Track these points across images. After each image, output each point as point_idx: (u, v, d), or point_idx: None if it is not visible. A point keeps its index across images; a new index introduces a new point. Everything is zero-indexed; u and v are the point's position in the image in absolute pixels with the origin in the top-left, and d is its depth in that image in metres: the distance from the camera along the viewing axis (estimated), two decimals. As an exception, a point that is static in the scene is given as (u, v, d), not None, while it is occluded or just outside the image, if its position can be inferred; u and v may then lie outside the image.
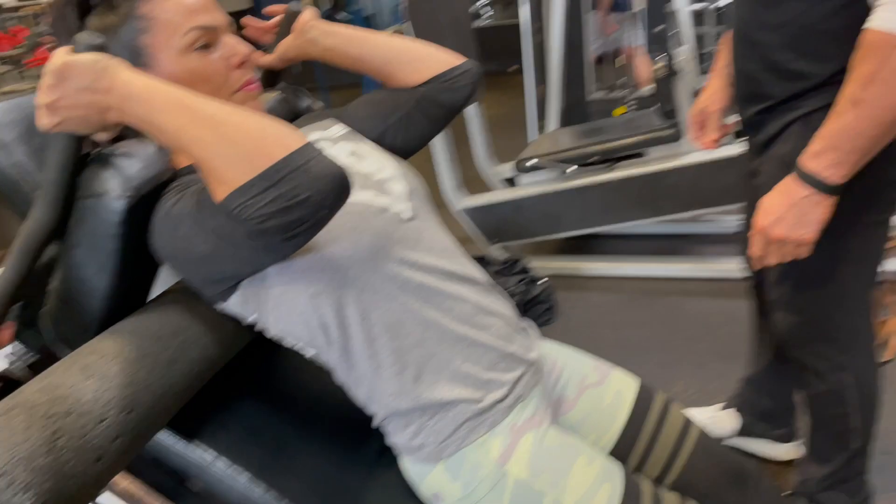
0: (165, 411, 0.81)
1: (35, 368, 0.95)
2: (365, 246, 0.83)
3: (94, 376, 0.74)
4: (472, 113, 3.06)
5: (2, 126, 0.88)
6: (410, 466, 0.91)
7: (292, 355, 0.99)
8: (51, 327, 0.89)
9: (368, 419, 0.92)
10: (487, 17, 10.48)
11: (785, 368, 1.56)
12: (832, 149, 1.01)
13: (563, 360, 1.04)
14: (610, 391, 1.02)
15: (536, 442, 0.87)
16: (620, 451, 1.00)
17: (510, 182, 2.98)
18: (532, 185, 2.78)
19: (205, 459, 0.90)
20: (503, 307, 0.94)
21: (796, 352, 1.33)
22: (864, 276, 1.23)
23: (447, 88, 1.03)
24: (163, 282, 0.97)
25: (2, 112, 0.89)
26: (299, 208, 0.68)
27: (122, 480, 0.93)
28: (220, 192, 0.70)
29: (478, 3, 12.93)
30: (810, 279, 1.23)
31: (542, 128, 3.66)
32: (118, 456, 0.73)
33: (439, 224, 0.97)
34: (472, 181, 3.06)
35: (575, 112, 3.65)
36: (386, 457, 0.95)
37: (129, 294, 0.89)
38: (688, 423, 1.02)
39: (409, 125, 1.04)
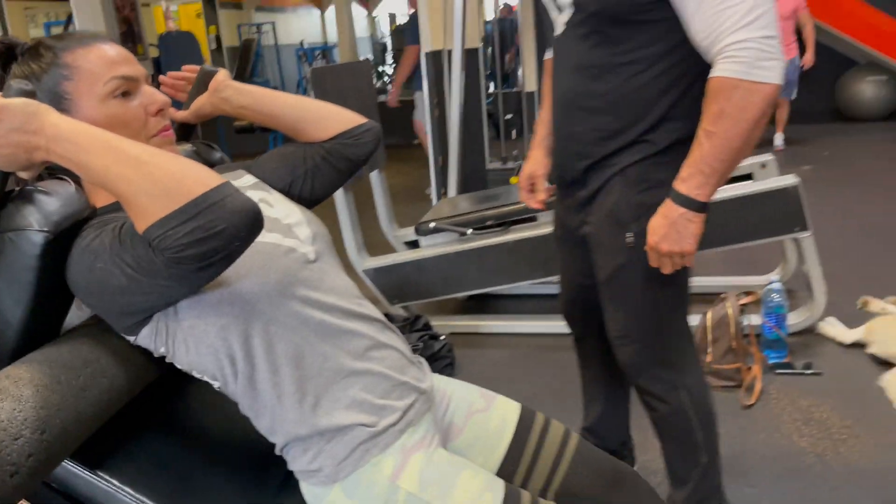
0: (76, 435, 0.85)
1: None
2: (272, 282, 0.91)
3: (9, 398, 0.77)
4: (375, 180, 3.19)
5: None
6: (309, 490, 0.96)
7: (200, 388, 1.04)
8: None
9: (271, 449, 0.97)
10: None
11: (616, 412, 1.76)
12: (697, 173, 1.21)
13: (452, 389, 1.13)
14: (495, 416, 1.12)
15: (425, 459, 0.95)
16: (507, 469, 1.09)
17: (413, 245, 3.11)
18: (432, 247, 2.91)
19: (110, 489, 0.92)
20: (397, 342, 1.03)
21: (640, 380, 1.49)
22: (684, 304, 1.45)
23: (352, 144, 1.14)
24: (72, 320, 1.00)
25: None
26: (215, 239, 0.75)
27: None
28: (142, 225, 0.77)
29: (384, 79, 13.36)
30: (642, 311, 1.42)
31: (443, 195, 3.85)
32: (31, 473, 0.76)
33: (340, 267, 1.06)
34: (379, 245, 3.17)
35: (474, 180, 3.87)
36: (288, 486, 1.00)
37: (41, 328, 0.92)
38: (567, 434, 1.13)
39: (316, 176, 1.14)
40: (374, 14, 14.35)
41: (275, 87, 8.68)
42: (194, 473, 1.00)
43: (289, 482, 1.00)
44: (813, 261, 2.64)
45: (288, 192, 1.12)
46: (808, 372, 2.40)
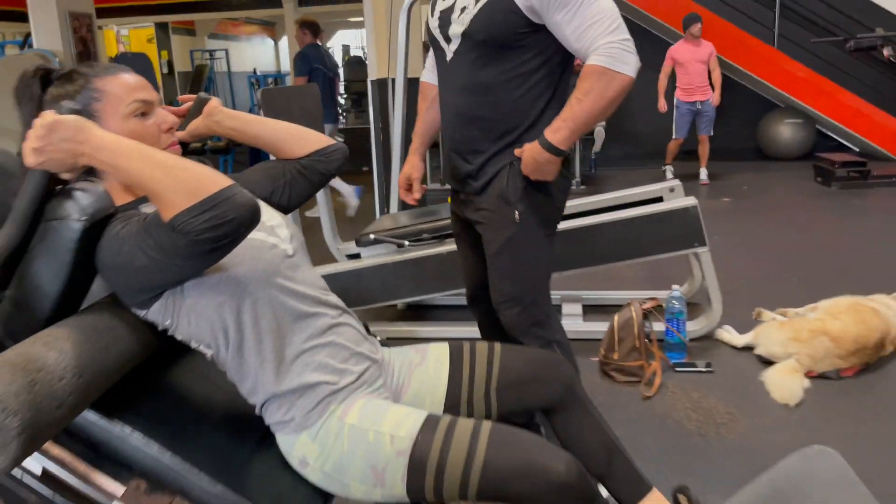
0: (100, 385, 1.04)
1: None
2: (260, 270, 1.14)
3: (54, 349, 0.97)
4: (320, 197, 3.42)
5: None
6: (283, 439, 1.19)
7: (194, 360, 1.25)
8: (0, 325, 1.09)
9: (250, 412, 1.19)
10: (341, 122, 11.09)
11: None
12: (565, 128, 1.58)
13: (394, 356, 1.38)
14: (431, 362, 1.36)
15: (365, 401, 1.19)
16: (453, 396, 1.33)
17: (355, 257, 3.34)
18: (372, 258, 3.15)
19: (123, 433, 1.11)
20: (354, 323, 1.28)
21: (520, 337, 1.78)
22: (550, 275, 1.83)
23: (325, 160, 1.37)
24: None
25: None
26: (227, 226, 0.97)
27: (54, 448, 1.11)
28: (168, 214, 0.98)
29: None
30: (521, 282, 1.75)
31: (386, 212, 4.09)
32: (70, 408, 0.96)
33: (310, 263, 1.30)
34: (324, 258, 3.39)
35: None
36: (266, 440, 1.22)
37: (69, 300, 1.10)
38: (492, 345, 1.38)
39: (294, 187, 1.36)
40: (327, 45, 14.67)
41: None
42: (190, 425, 1.21)
43: (266, 438, 1.22)
44: (710, 274, 2.97)
45: (269, 200, 1.34)
46: (703, 370, 2.71)
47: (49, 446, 1.10)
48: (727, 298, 3.34)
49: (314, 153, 1.36)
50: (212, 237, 0.97)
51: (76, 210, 1.04)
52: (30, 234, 1.04)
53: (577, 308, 3.36)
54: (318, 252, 3.40)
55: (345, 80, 13.80)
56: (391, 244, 3.13)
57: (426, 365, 1.36)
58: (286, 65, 13.03)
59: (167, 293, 1.10)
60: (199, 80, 10.86)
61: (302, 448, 1.17)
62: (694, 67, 6.30)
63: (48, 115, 1.02)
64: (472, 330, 3.11)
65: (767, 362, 2.69)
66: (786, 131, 7.63)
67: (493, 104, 1.68)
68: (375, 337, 1.34)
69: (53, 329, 1.03)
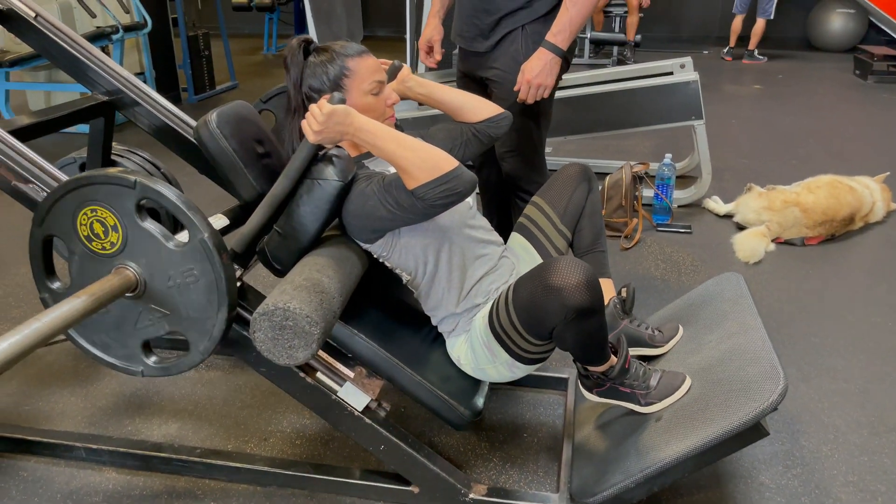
0: (348, 299, 1.38)
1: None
2: (456, 221, 1.48)
3: (325, 275, 1.31)
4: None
5: (222, 125, 1.47)
6: (450, 341, 1.55)
7: (392, 282, 1.58)
8: (267, 253, 1.44)
9: (428, 320, 1.56)
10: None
11: (506, 221, 2.31)
12: (564, 31, 1.83)
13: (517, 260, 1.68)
14: (518, 249, 1.70)
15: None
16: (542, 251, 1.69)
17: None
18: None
19: (352, 333, 1.47)
20: (510, 254, 1.61)
21: (519, 182, 2.08)
22: (547, 129, 2.08)
23: (495, 126, 1.64)
24: None
25: (218, 119, 1.47)
26: (456, 196, 1.30)
27: None
28: (411, 185, 1.29)
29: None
30: (524, 135, 2.02)
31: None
32: (336, 318, 1.30)
33: (479, 211, 1.61)
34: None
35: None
36: (438, 340, 1.59)
37: (318, 237, 1.43)
38: (543, 208, 1.70)
39: (468, 147, 1.64)
40: None
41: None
42: (391, 331, 1.56)
43: (437, 338, 1.59)
44: (704, 147, 3.19)
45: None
46: (682, 231, 2.99)
47: None
48: (725, 174, 3.56)
49: (487, 119, 1.63)
50: (443, 203, 1.31)
51: (336, 173, 1.36)
52: (297, 186, 1.38)
53: (581, 173, 3.61)
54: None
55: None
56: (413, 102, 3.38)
57: (527, 256, 1.68)
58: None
59: (389, 234, 1.44)
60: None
61: (458, 347, 1.53)
62: None
63: (325, 106, 1.32)
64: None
65: (743, 228, 2.96)
66: (836, 21, 7.42)
67: None
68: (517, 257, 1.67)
69: (314, 258, 1.37)
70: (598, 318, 1.32)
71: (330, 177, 1.35)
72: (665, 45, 7.92)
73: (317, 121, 1.32)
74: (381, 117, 1.47)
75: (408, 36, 4.34)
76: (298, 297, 1.23)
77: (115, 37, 4.55)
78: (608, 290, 1.69)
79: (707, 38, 8.34)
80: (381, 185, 1.36)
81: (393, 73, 1.61)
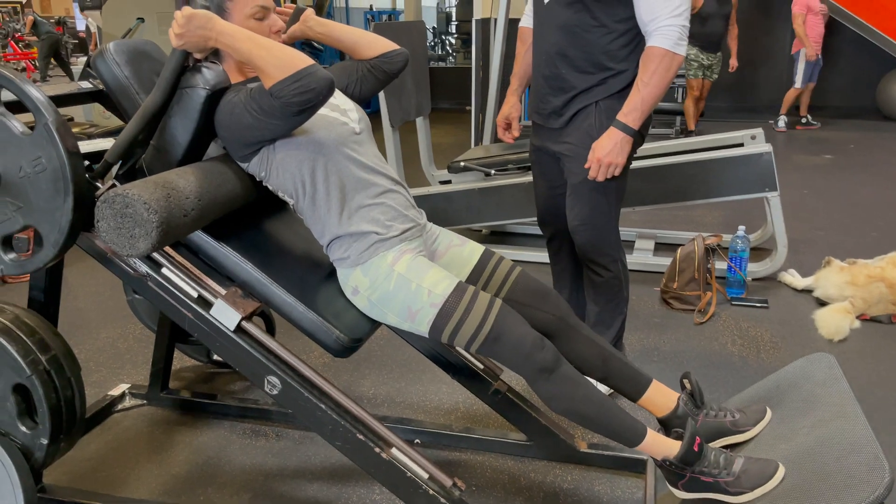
0: (213, 212, 1.42)
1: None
2: (332, 139, 1.48)
3: (183, 178, 1.36)
4: (420, 125, 3.76)
5: (117, 54, 1.53)
6: (341, 273, 1.53)
7: (285, 213, 1.61)
8: (144, 167, 1.48)
9: (323, 256, 1.54)
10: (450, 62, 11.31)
11: (578, 294, 2.29)
12: (636, 111, 1.83)
13: (440, 231, 1.68)
14: (466, 250, 1.67)
15: (412, 257, 1.51)
16: (471, 280, 1.65)
17: (447, 183, 3.67)
18: (460, 183, 3.47)
19: (227, 252, 1.48)
20: (404, 192, 1.59)
21: (592, 255, 2.05)
22: (620, 203, 2.05)
23: (389, 62, 1.69)
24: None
25: (115, 47, 1.53)
26: (309, 93, 1.32)
27: (179, 257, 1.51)
28: (268, 83, 1.34)
29: (447, 48, 13.78)
30: (597, 209, 2.00)
31: (480, 144, 4.38)
32: (192, 221, 1.34)
33: (374, 143, 1.61)
34: (420, 182, 3.73)
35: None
36: (330, 276, 1.58)
37: (194, 150, 1.48)
38: (513, 266, 1.67)
39: (364, 83, 1.70)
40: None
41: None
42: (275, 255, 1.58)
43: (330, 276, 1.58)
44: (778, 218, 3.11)
45: (344, 91, 1.69)
46: (758, 305, 2.89)
47: (176, 255, 1.50)
48: (801, 246, 3.45)
49: (382, 55, 1.68)
50: (298, 101, 1.32)
51: (203, 81, 1.39)
52: (169, 98, 1.40)
53: (650, 244, 3.57)
54: (414, 177, 3.75)
55: (456, 20, 13.96)
56: (479, 172, 3.44)
57: (462, 250, 1.66)
58: (401, 4, 13.32)
59: (263, 150, 1.44)
60: (319, 13, 11.32)
61: (355, 280, 1.51)
62: (817, 17, 6.52)
63: (186, 9, 1.37)
64: (546, 256, 3.42)
65: (824, 304, 2.84)
66: (908, 90, 7.28)
67: (585, 44, 1.90)
68: (422, 212, 1.66)
69: (182, 168, 1.41)
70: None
71: (197, 84, 1.37)
72: (728, 115, 7.87)
73: (178, 24, 1.35)
74: None
75: (472, 107, 4.46)
76: (142, 188, 1.25)
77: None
78: (662, 393, 1.60)
79: (770, 108, 8.26)
80: (248, 94, 1.38)
81: (296, 17, 1.65)
